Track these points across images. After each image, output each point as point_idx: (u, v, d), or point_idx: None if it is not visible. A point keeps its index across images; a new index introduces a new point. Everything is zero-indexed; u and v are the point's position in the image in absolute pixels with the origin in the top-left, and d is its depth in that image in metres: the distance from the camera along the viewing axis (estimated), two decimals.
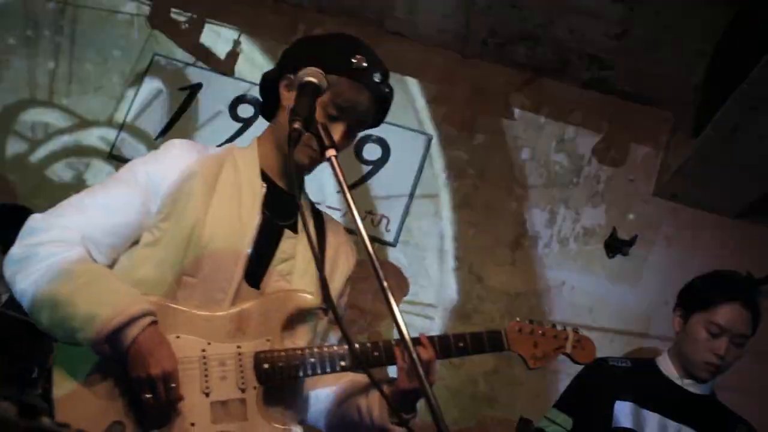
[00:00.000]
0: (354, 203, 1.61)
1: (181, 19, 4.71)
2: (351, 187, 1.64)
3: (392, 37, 4.56)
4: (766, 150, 3.34)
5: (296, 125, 1.68)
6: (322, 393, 2.19)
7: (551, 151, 4.43)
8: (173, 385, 1.79)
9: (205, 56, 4.59)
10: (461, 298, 4.21)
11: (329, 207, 4.15)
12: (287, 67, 2.08)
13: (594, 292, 4.17)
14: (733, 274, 3.00)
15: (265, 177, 2.09)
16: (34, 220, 1.94)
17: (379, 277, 1.55)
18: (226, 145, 2.20)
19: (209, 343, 1.90)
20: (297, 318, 2.02)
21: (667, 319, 2.99)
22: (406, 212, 4.34)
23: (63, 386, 1.83)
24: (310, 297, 2.01)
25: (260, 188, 2.05)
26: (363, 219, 1.64)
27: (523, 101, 4.51)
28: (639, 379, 2.94)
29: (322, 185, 4.18)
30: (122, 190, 1.99)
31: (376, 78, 2.05)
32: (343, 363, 1.99)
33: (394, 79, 4.37)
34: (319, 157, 1.98)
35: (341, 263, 2.21)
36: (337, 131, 1.99)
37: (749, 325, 2.78)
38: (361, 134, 4.22)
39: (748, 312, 2.78)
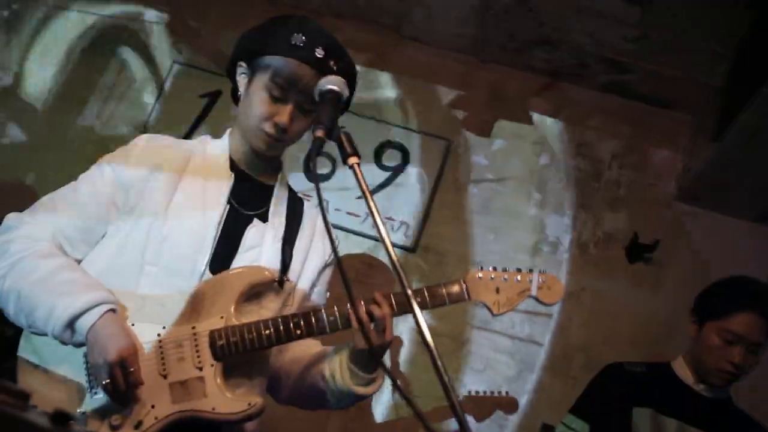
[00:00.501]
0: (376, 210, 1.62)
1: (200, 26, 4.74)
2: (370, 194, 1.64)
3: (409, 42, 4.57)
4: None
5: (319, 133, 1.68)
6: (291, 369, 2.23)
7: (570, 155, 4.42)
8: (131, 369, 1.84)
9: (225, 63, 4.61)
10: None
11: (349, 213, 4.18)
12: (237, 54, 2.17)
13: (614, 298, 4.15)
14: (750, 281, 2.95)
15: (234, 167, 2.14)
16: (9, 219, 2.03)
17: (402, 282, 1.56)
18: (201, 137, 2.26)
19: (164, 327, 1.96)
20: (254, 293, 2.05)
21: (688, 324, 2.99)
22: (425, 218, 4.34)
23: (27, 377, 1.93)
24: (259, 269, 2.04)
25: (227, 178, 2.10)
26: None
27: (541, 106, 4.50)
28: (656, 385, 2.93)
29: (342, 191, 4.20)
30: (90, 187, 2.06)
31: (318, 53, 2.03)
32: (298, 331, 2.00)
33: (412, 84, 4.41)
34: (275, 143, 2.07)
35: (314, 252, 2.23)
36: (285, 112, 2.03)
37: (765, 333, 2.77)
38: (379, 140, 4.35)
39: (763, 320, 2.76)
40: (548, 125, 4.47)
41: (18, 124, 4.70)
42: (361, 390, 2.08)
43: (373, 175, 4.34)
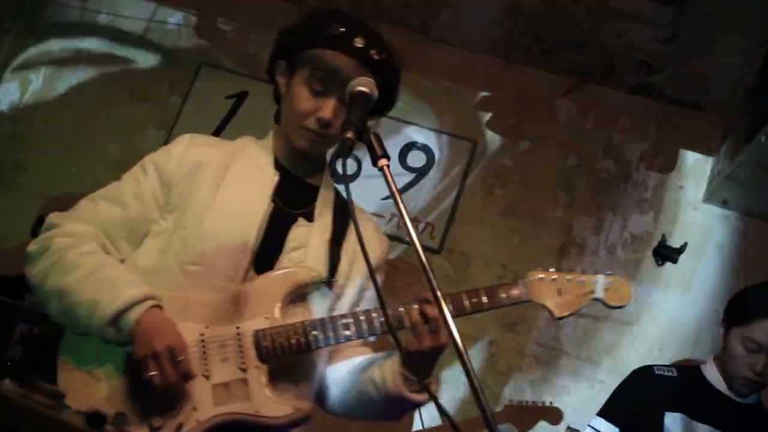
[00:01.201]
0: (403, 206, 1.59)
1: (227, 28, 4.77)
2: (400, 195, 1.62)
3: (436, 44, 4.57)
4: None
5: (349, 135, 1.65)
6: (340, 376, 2.12)
7: (598, 157, 4.40)
8: (181, 358, 1.78)
9: (251, 64, 4.64)
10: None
11: (374, 214, 4.17)
12: (275, 53, 2.10)
13: (642, 300, 4.12)
14: None
15: (279, 166, 2.09)
16: (51, 218, 2.00)
17: (432, 285, 1.52)
18: (244, 137, 2.20)
19: (207, 327, 1.89)
20: (300, 294, 1.98)
21: (718, 328, 2.96)
22: (450, 219, 4.34)
23: (67, 377, 1.86)
24: (309, 270, 1.97)
25: (272, 177, 2.05)
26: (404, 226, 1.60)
27: (569, 107, 4.49)
28: (687, 389, 2.91)
29: (369, 192, 4.19)
30: (132, 185, 2.03)
31: (358, 43, 1.98)
32: (347, 332, 1.93)
33: (438, 86, 4.41)
34: (320, 139, 2.00)
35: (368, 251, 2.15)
36: (328, 106, 1.96)
37: None
38: (405, 142, 4.35)
39: None
40: (576, 127, 4.45)
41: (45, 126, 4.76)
42: (414, 397, 1.93)
43: (398, 176, 4.34)
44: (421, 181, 4.42)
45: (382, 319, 1.93)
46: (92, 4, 4.91)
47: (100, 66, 4.80)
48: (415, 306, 1.90)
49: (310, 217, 2.07)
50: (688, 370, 3.03)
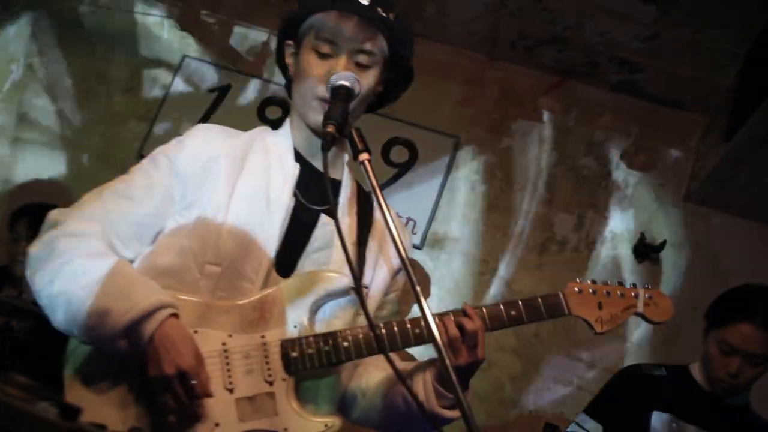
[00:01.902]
0: (386, 205, 1.56)
1: (211, 21, 4.75)
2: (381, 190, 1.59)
3: (420, 39, 4.55)
4: None
5: (330, 129, 1.61)
6: (368, 387, 2.00)
7: (579, 154, 4.41)
8: (193, 382, 1.63)
9: (234, 58, 4.62)
10: (488, 302, 4.20)
11: None
12: (282, 35, 1.98)
13: None
14: (757, 289, 2.87)
15: (299, 158, 1.94)
16: (52, 214, 1.82)
17: (412, 281, 1.49)
18: (259, 127, 2.04)
19: (230, 336, 1.75)
20: (329, 302, 1.86)
21: (696, 325, 2.96)
22: (432, 215, 4.34)
23: (75, 393, 1.71)
24: (339, 277, 1.83)
25: (293, 169, 1.90)
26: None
27: (551, 104, 4.50)
28: (675, 389, 2.90)
29: None
30: (144, 179, 1.87)
31: (363, 0, 1.86)
32: (382, 345, 1.79)
33: (421, 81, 4.37)
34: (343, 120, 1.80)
35: (386, 255, 2.01)
36: (339, 65, 1.82)
37: (764, 345, 2.70)
38: (387, 137, 4.34)
39: (763, 332, 2.69)
40: (558, 124, 4.46)
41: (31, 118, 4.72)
42: (448, 413, 1.83)
43: (381, 171, 4.33)
44: (404, 177, 4.41)
45: (417, 330, 1.81)
46: None
47: (81, 57, 4.76)
48: (452, 317, 1.82)
49: (333, 214, 1.83)
50: (677, 370, 3.02)
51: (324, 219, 1.90)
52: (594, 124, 4.44)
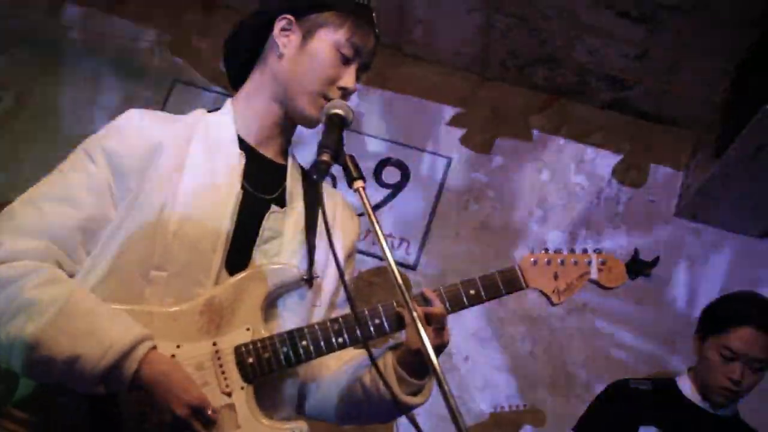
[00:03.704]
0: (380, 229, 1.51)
1: (202, 45, 4.75)
2: (374, 213, 1.56)
3: (410, 60, 4.58)
4: None
5: (325, 157, 1.55)
6: (322, 380, 1.93)
7: (571, 172, 4.41)
8: (209, 413, 1.57)
9: (225, 82, 4.61)
10: (483, 320, 4.19)
11: None
12: (284, 6, 1.87)
13: (616, 313, 4.14)
14: (752, 296, 2.92)
15: (243, 144, 1.85)
16: None
17: (408, 303, 1.43)
18: (195, 111, 1.95)
19: (178, 346, 1.64)
20: (279, 296, 1.78)
21: (690, 340, 2.97)
22: (425, 236, 4.33)
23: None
24: (285, 267, 1.76)
25: (238, 158, 1.81)
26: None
27: (542, 123, 4.50)
28: (662, 403, 2.91)
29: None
30: (81, 177, 1.71)
31: (374, 14, 1.90)
32: (340, 340, 1.74)
33: (412, 102, 4.39)
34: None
35: (341, 236, 1.97)
36: (350, 75, 1.84)
37: (766, 349, 2.73)
38: (380, 158, 4.34)
39: (764, 336, 2.72)
40: (549, 142, 4.47)
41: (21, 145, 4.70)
42: (410, 400, 1.77)
43: (373, 192, 4.33)
44: (396, 197, 4.41)
45: (377, 321, 1.76)
46: (63, 20, 4.87)
47: (71, 84, 4.74)
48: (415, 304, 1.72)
49: (281, 202, 1.85)
50: (663, 383, 3.03)
51: (272, 208, 1.83)
52: (585, 141, 4.45)
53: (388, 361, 1.80)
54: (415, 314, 1.43)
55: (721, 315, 2.84)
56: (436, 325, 1.75)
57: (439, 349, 1.75)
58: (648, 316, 4.13)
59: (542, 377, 4.08)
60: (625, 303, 4.14)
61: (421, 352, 1.61)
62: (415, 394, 1.79)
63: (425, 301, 1.80)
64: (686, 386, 2.93)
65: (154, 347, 1.57)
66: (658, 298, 4.15)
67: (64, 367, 1.49)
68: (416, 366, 1.77)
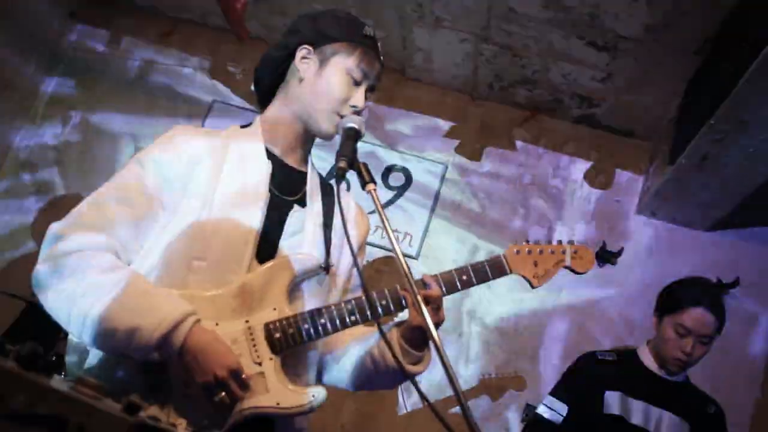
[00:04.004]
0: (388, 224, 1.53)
1: (236, 70, 4.79)
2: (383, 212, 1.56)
3: (412, 82, 4.61)
4: (730, 175, 3.34)
5: (342, 164, 1.58)
6: (340, 354, 1.94)
7: (549, 177, 4.43)
8: (243, 376, 1.60)
9: (254, 101, 4.64)
10: (473, 302, 4.22)
11: None
12: (301, 39, 1.88)
13: (587, 296, 4.16)
14: (701, 281, 2.94)
15: (270, 155, 1.85)
16: (54, 229, 1.66)
17: (412, 287, 1.47)
18: (230, 126, 1.95)
19: (217, 324, 1.65)
20: (301, 281, 1.78)
21: (649, 318, 2.98)
22: (426, 230, 4.36)
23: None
24: (307, 257, 1.76)
25: (266, 166, 1.81)
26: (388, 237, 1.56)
27: (524, 135, 4.52)
28: (624, 371, 2.91)
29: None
30: (134, 182, 1.73)
31: (377, 44, 1.91)
32: (353, 318, 1.74)
33: (414, 117, 4.39)
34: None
35: (354, 230, 1.97)
36: (360, 95, 1.84)
37: (713, 326, 2.74)
38: (386, 164, 4.38)
39: (712, 315, 2.73)
40: (530, 151, 4.49)
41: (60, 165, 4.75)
42: (413, 369, 1.80)
43: (381, 193, 4.35)
44: (401, 198, 4.44)
45: (383, 302, 1.77)
46: (121, 52, 4.93)
47: (128, 103, 4.79)
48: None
49: (302, 203, 1.86)
50: (625, 354, 3.03)
51: (295, 207, 1.84)
52: (560, 150, 4.46)
53: (393, 336, 1.81)
54: (419, 297, 1.47)
55: (676, 297, 2.84)
56: (434, 305, 1.76)
57: (436, 326, 1.74)
58: (613, 298, 4.16)
59: (524, 349, 4.11)
60: (594, 287, 4.16)
61: (421, 328, 1.73)
62: (415, 363, 1.81)
63: (425, 285, 1.81)
64: (645, 356, 2.93)
65: (199, 321, 1.59)
66: (622, 283, 4.16)
67: (125, 337, 1.53)
68: (417, 340, 1.79)
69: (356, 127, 1.72)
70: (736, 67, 2.77)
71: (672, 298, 2.85)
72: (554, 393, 2.97)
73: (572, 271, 1.98)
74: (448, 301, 1.86)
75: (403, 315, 1.84)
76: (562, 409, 2.88)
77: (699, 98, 3.22)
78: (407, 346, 1.79)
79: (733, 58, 2.81)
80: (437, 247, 4.32)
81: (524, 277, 1.94)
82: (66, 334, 1.67)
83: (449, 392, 3.82)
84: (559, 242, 1.99)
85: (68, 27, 4.97)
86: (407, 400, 4.01)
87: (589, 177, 4.40)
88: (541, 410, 2.93)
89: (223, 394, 1.58)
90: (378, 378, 1.87)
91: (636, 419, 2.80)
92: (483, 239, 4.33)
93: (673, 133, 3.70)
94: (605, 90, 3.98)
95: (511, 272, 1.92)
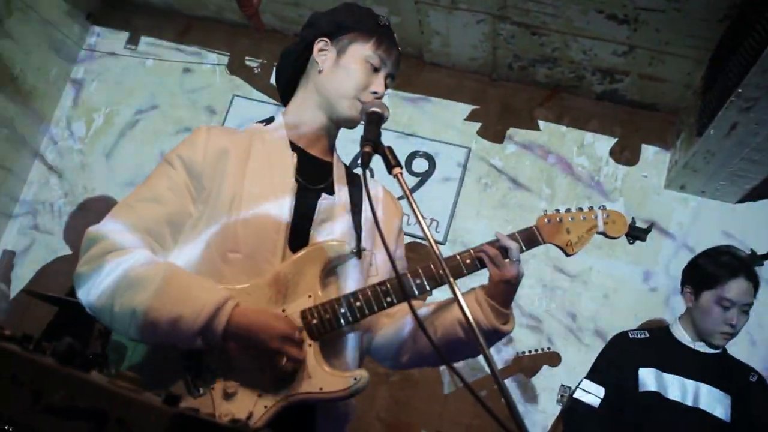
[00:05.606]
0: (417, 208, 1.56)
1: (254, 65, 4.82)
2: (411, 196, 1.58)
3: (430, 67, 4.59)
4: (759, 143, 3.29)
5: (367, 149, 1.61)
6: (387, 332, 1.95)
7: (573, 155, 4.41)
8: (299, 336, 1.65)
9: (275, 94, 4.66)
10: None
11: None
12: (317, 32, 1.93)
13: (617, 274, 4.14)
14: (732, 251, 2.94)
15: (294, 147, 1.89)
16: (90, 232, 1.71)
17: (445, 271, 1.48)
18: (255, 124, 2.01)
19: None
20: (334, 268, 1.80)
21: (679, 292, 2.98)
22: (452, 215, 4.36)
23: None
24: (338, 243, 1.77)
25: (291, 157, 1.85)
26: (416, 223, 1.58)
27: (546, 114, 4.50)
28: (657, 347, 2.92)
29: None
30: (165, 181, 1.78)
31: (392, 32, 1.95)
32: (389, 299, 1.75)
33: (435, 102, 4.40)
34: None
35: (383, 215, 2.00)
36: (380, 81, 1.88)
37: (752, 294, 2.79)
38: (409, 151, 4.37)
39: (750, 283, 2.78)
40: (553, 130, 4.46)
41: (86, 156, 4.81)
42: (504, 328, 1.83)
43: (406, 179, 4.34)
44: (425, 184, 4.44)
45: (417, 281, 1.78)
46: (138, 52, 4.98)
47: (149, 104, 4.86)
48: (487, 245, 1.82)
49: (330, 191, 1.89)
50: (657, 331, 3.04)
51: (323, 196, 1.86)
52: (583, 128, 4.44)
53: (480, 298, 1.83)
54: (509, 243, 1.75)
55: (712, 271, 2.84)
56: (513, 257, 1.81)
57: (518, 279, 1.82)
58: (644, 275, 4.13)
59: (557, 330, 4.11)
60: (624, 264, 4.15)
61: (506, 281, 1.78)
62: (506, 323, 1.84)
63: (499, 242, 1.84)
64: (678, 331, 2.94)
65: (238, 304, 1.62)
66: (653, 259, 4.14)
67: (168, 326, 1.57)
68: (503, 296, 1.82)
69: (379, 111, 1.75)
70: (763, 32, 2.72)
71: (709, 273, 2.84)
72: (589, 376, 2.99)
73: (606, 236, 1.99)
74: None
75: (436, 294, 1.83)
76: (599, 391, 2.90)
77: (725, 67, 3.17)
78: (496, 304, 1.82)
79: (760, 23, 2.76)
80: (464, 232, 4.33)
81: (558, 245, 1.93)
82: (100, 333, 1.71)
83: (481, 373, 3.87)
84: (591, 208, 1.99)
85: (87, 30, 5.05)
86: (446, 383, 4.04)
87: (615, 153, 4.37)
88: (578, 394, 2.94)
89: (285, 361, 1.61)
90: (468, 344, 1.84)
91: (672, 394, 2.80)
92: (509, 222, 4.33)
93: (699, 105, 3.65)
94: (627, 64, 3.94)
95: (544, 242, 1.92)
